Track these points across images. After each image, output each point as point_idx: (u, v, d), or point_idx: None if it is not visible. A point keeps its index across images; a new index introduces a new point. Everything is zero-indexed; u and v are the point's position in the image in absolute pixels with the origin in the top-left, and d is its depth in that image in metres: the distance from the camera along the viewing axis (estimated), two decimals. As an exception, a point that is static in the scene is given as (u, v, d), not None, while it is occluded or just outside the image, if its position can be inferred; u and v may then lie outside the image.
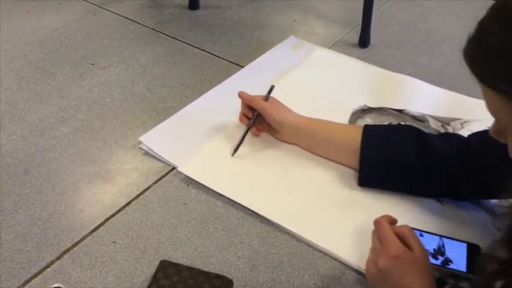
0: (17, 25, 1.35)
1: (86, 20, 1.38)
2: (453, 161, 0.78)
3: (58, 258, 0.75)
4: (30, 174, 0.89)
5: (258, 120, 0.93)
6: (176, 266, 0.71)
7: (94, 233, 0.79)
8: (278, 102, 0.93)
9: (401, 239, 0.65)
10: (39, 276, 0.72)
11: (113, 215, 0.82)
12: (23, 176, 0.89)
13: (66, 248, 0.77)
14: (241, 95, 0.92)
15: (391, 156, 0.82)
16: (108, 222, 0.81)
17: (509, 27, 0.44)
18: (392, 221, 0.70)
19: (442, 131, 0.99)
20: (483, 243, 0.75)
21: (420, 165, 0.80)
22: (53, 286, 0.70)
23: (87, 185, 0.88)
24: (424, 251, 0.65)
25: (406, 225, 0.68)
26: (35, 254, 0.75)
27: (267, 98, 0.93)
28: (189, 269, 0.70)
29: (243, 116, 0.93)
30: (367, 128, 0.86)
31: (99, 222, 0.81)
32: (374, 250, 0.67)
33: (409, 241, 0.65)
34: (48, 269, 0.73)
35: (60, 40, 1.29)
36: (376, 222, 0.68)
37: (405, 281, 0.62)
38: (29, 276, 0.72)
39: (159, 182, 0.88)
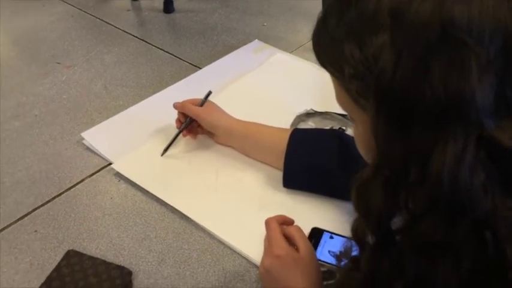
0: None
1: (63, 21, 1.44)
2: (369, 165, 0.79)
3: (-20, 244, 0.79)
4: (-26, 165, 0.94)
5: (197, 123, 0.95)
6: (81, 255, 0.73)
7: (19, 222, 0.83)
8: (213, 106, 0.95)
9: (290, 239, 0.66)
10: (-42, 259, 0.77)
11: (42, 205, 0.86)
12: (-33, 166, 0.94)
13: (-10, 234, 0.81)
14: (174, 104, 0.94)
15: (313, 159, 0.83)
16: (34, 212, 0.85)
17: (346, 9, 0.42)
18: (287, 222, 0.71)
19: (382, 136, 0.99)
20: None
21: (340, 169, 0.81)
22: (-33, 269, 0.74)
23: (24, 176, 0.92)
24: (311, 252, 0.65)
25: (295, 226, 0.69)
26: (-41, 238, 0.80)
27: (202, 103, 0.95)
28: (92, 259, 0.73)
29: (178, 121, 0.96)
30: (294, 132, 0.87)
31: (26, 212, 0.85)
32: (264, 250, 0.68)
33: (296, 241, 0.66)
34: (-32, 253, 0.78)
35: (34, 40, 1.35)
36: (266, 223, 0.69)
37: (288, 281, 0.63)
38: (-52, 259, 0.77)
39: (93, 177, 0.92)
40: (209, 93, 0.97)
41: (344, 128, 1.01)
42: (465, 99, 0.36)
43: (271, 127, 0.92)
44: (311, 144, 0.85)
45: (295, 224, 0.72)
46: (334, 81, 0.47)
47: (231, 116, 0.94)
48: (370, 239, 0.48)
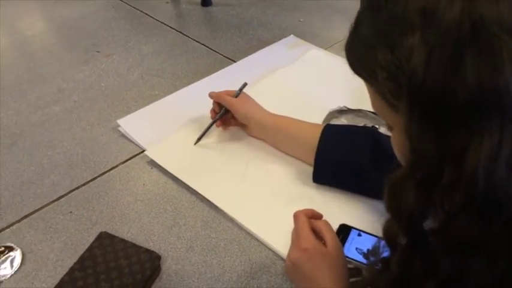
0: (43, 13, 1.48)
1: (104, 11, 1.48)
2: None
3: (18, 221, 0.82)
4: (16, 146, 0.98)
5: (231, 115, 0.96)
6: (112, 237, 0.75)
7: (55, 202, 0.86)
8: (248, 98, 0.95)
9: (317, 233, 0.66)
10: (-3, 234, 0.80)
11: (77, 188, 0.89)
12: (9, 147, 0.98)
13: (28, 213, 0.84)
14: (210, 94, 0.96)
15: (345, 155, 0.82)
16: (70, 194, 0.87)
17: (375, 14, 0.43)
18: (315, 216, 0.71)
19: (415, 136, 0.97)
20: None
21: (371, 166, 0.80)
22: (5, 244, 0.77)
23: (62, 159, 0.95)
24: (338, 247, 0.65)
25: (324, 220, 0.69)
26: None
27: (237, 94, 0.96)
28: (123, 241, 0.75)
29: (213, 111, 0.97)
30: (326, 127, 0.87)
31: (62, 193, 0.87)
32: (291, 243, 0.68)
33: (324, 235, 0.65)
34: (7, 229, 0.81)
35: (75, 28, 1.39)
36: (294, 216, 0.69)
37: (314, 275, 0.63)
38: (-11, 233, 0.80)
39: (127, 163, 0.94)
40: (244, 84, 0.97)
41: (377, 126, 1.00)
42: (499, 92, 0.36)
43: (303, 122, 0.92)
44: (343, 140, 0.84)
45: (323, 219, 0.72)
46: (368, 87, 0.47)
47: (264, 109, 0.95)
48: (401, 240, 0.47)
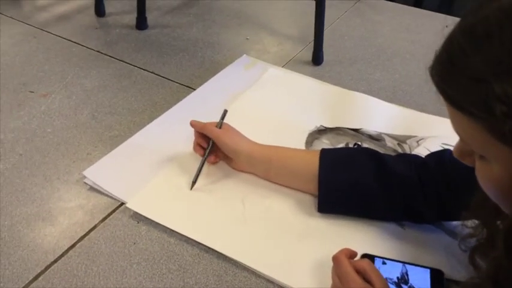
0: (-51, 51, 1.26)
1: (26, 43, 1.30)
2: (412, 183, 0.77)
3: (-9, 316, 0.68)
4: (-40, 220, 0.81)
5: (213, 148, 0.88)
6: (124, 317, 0.65)
7: (33, 284, 0.72)
8: (232, 129, 0.89)
9: (362, 273, 0.62)
10: None
11: (55, 261, 0.75)
12: (-49, 222, 0.80)
13: (1, 303, 0.69)
14: (192, 123, 0.88)
15: (349, 180, 0.80)
16: (49, 269, 0.74)
17: (485, 44, 0.40)
18: (352, 254, 0.67)
19: (399, 149, 0.98)
20: (446, 267, 0.74)
21: (379, 189, 0.78)
22: None
23: (26, 228, 0.80)
24: (386, 285, 0.62)
25: (365, 259, 0.65)
26: (-36, 313, 0.68)
27: (220, 124, 0.88)
28: (139, 319, 0.64)
29: (198, 145, 0.89)
30: (324, 153, 0.83)
31: (38, 271, 0.73)
32: (333, 287, 0.63)
33: (370, 276, 0.62)
34: (-20, 329, 0.66)
35: (-4, 66, 1.20)
36: (335, 259, 0.65)
37: (368, 318, 0.59)
38: None
39: (106, 220, 0.82)
40: (225, 112, 0.90)
41: (360, 143, 0.99)
42: None
43: (296, 149, 0.88)
44: (345, 165, 0.81)
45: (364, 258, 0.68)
46: (467, 121, 0.43)
47: (251, 140, 0.89)
48: None
